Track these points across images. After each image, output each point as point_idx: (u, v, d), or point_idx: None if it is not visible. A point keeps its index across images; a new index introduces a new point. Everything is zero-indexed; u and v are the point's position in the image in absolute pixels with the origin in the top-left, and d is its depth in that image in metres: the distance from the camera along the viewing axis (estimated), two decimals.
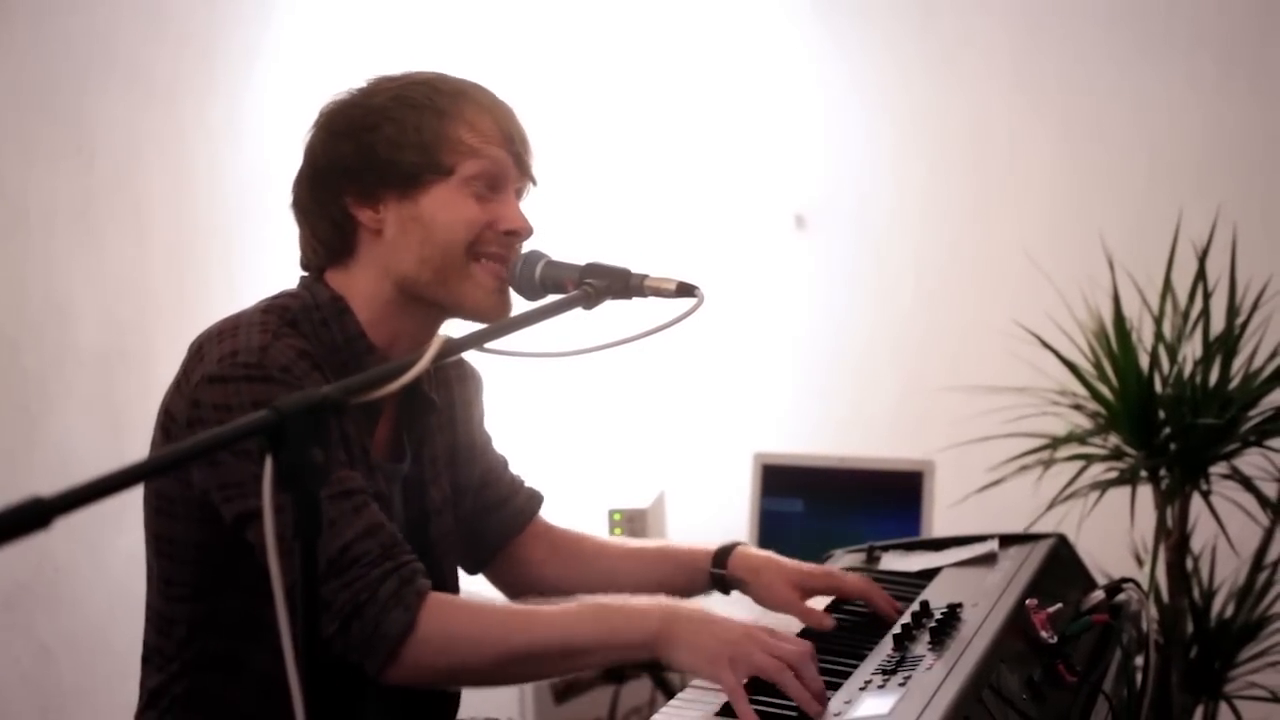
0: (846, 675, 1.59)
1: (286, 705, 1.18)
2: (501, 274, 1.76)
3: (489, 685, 1.80)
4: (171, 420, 1.67)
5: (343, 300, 1.75)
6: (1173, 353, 2.57)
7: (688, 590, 2.00)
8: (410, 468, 1.85)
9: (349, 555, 1.57)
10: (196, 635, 1.72)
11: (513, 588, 2.06)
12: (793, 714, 1.50)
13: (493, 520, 2.01)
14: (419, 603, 1.58)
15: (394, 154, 1.72)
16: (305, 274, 1.81)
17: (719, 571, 1.96)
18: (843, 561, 2.15)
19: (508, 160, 1.76)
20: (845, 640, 1.76)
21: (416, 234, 1.73)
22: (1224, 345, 2.53)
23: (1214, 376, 2.52)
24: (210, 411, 1.61)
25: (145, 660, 1.78)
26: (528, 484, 2.07)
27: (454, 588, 1.91)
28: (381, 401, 1.67)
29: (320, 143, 1.78)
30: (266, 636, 1.60)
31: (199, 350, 1.68)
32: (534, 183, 1.83)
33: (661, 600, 1.65)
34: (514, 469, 2.06)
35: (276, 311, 1.71)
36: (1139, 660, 1.97)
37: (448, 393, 1.93)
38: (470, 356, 1.97)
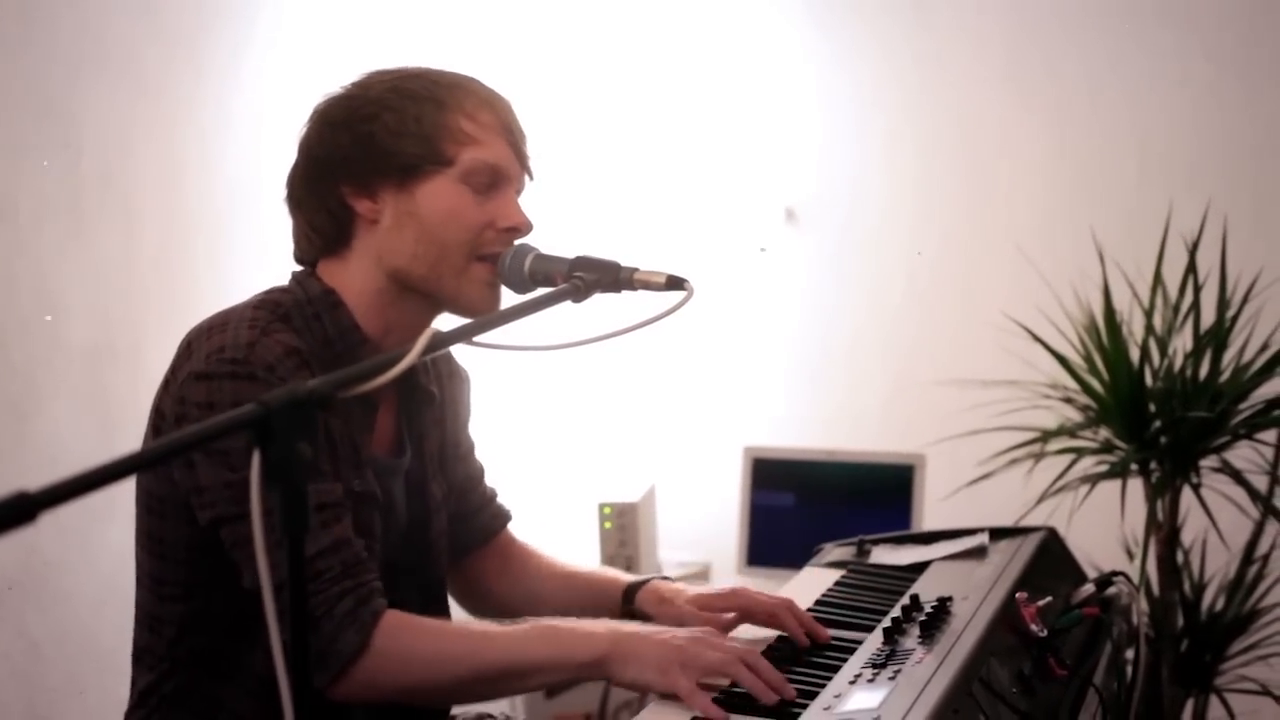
0: (836, 669, 1.58)
1: (276, 704, 1.18)
2: (494, 271, 1.75)
3: (443, 704, 1.81)
4: (161, 418, 1.66)
5: (335, 294, 1.73)
6: (1163, 346, 2.58)
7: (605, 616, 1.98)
8: (411, 462, 1.84)
9: (310, 570, 1.56)
10: (186, 634, 1.71)
11: (464, 595, 2.06)
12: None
13: (463, 529, 1.99)
14: (374, 623, 1.57)
15: (393, 143, 1.71)
16: (297, 269, 1.80)
17: (629, 607, 1.93)
18: (833, 555, 2.15)
19: (507, 151, 1.75)
20: (833, 635, 1.76)
21: (411, 229, 1.71)
22: (1214, 338, 2.53)
23: (1204, 370, 2.53)
24: (194, 409, 1.60)
25: (136, 660, 1.77)
26: (499, 499, 2.06)
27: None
28: (378, 395, 1.67)
29: (316, 135, 1.76)
30: (257, 635, 1.59)
31: (188, 347, 1.67)
32: (531, 177, 1.82)
33: (608, 622, 1.66)
34: (489, 481, 2.05)
35: (268, 307, 1.70)
36: (1129, 653, 1.98)
37: (440, 388, 1.92)
38: (460, 350, 1.96)
